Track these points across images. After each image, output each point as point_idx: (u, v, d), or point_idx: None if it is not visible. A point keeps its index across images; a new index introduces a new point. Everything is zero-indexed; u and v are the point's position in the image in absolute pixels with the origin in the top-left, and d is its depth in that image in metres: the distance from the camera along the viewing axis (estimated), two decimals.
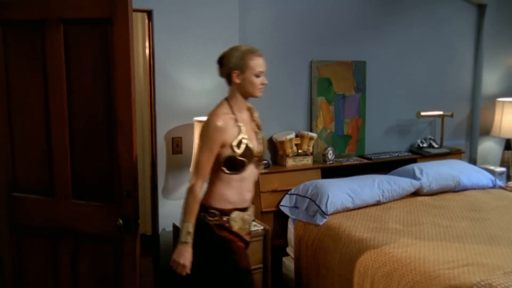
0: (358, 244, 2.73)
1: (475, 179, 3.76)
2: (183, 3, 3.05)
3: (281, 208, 3.38)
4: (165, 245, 3.13)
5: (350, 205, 3.19)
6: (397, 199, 3.40)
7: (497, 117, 4.47)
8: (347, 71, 3.83)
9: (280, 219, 3.42)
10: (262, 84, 2.17)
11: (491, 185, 3.83)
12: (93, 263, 2.24)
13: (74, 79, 2.12)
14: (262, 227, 3.10)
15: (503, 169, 4.29)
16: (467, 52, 4.51)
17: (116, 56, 1.99)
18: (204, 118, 2.97)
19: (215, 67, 3.23)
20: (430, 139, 4.26)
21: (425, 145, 4.22)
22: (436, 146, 4.22)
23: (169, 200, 3.15)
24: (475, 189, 3.74)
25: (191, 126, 3.05)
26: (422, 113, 4.15)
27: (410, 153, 4.11)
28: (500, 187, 3.89)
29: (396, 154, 4.01)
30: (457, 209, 3.25)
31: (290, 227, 3.35)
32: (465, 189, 3.71)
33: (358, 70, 3.88)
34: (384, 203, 3.34)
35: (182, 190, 3.19)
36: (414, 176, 3.57)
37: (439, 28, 4.28)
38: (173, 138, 3.12)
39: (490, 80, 4.57)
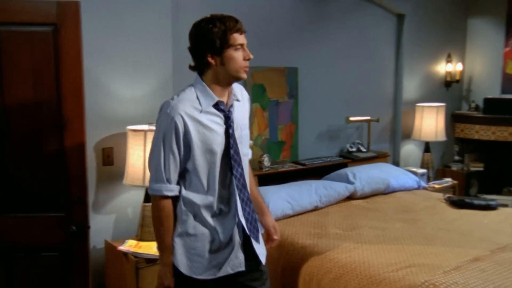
0: (302, 251, 2.72)
1: (402, 181, 3.94)
2: (112, 8, 2.86)
3: None
4: (96, 264, 2.89)
5: (290, 212, 3.18)
6: (333, 204, 3.46)
7: (417, 121, 4.73)
8: (280, 77, 3.84)
9: None
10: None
11: (416, 186, 4.03)
12: (38, 277, 2.09)
13: (8, 85, 1.94)
14: None
15: (424, 170, 4.54)
16: (389, 59, 4.73)
17: (65, 62, 1.87)
18: (138, 127, 2.83)
19: (148, 73, 3.10)
20: (358, 143, 4.40)
21: (354, 149, 4.35)
22: (364, 150, 4.36)
23: (99, 215, 2.93)
24: (402, 190, 3.92)
25: (123, 136, 2.86)
26: (351, 118, 4.28)
27: (341, 158, 4.21)
28: (424, 188, 4.10)
29: (328, 159, 4.08)
30: (390, 211, 3.37)
31: None
32: (393, 191, 3.86)
33: (290, 76, 3.90)
34: (321, 208, 3.37)
35: (114, 204, 2.99)
36: (347, 180, 3.66)
37: (364, 36, 4.45)
38: (103, 149, 2.91)
39: (410, 86, 4.84)
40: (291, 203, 3.21)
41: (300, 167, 3.84)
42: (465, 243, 2.75)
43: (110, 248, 2.86)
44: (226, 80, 1.83)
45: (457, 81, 5.25)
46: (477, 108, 5.21)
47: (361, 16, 4.40)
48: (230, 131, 1.83)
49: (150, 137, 2.70)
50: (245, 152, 1.94)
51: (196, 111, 1.78)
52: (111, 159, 2.94)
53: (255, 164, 3.67)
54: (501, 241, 2.78)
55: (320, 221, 3.14)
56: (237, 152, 1.85)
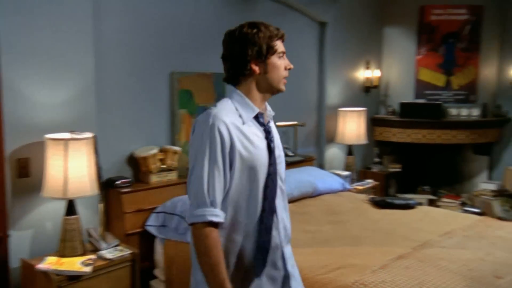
0: None
1: (328, 183, 4.05)
2: (29, 8, 2.66)
3: (147, 228, 3.17)
4: (12, 285, 2.67)
5: None
6: None
7: (340, 125, 4.90)
8: (207, 82, 3.79)
9: (145, 240, 3.21)
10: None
11: (341, 188, 4.15)
12: None
13: None
14: (130, 252, 2.85)
15: (348, 172, 4.71)
16: (313, 66, 4.86)
17: None
18: (58, 135, 2.64)
19: (68, 78, 2.92)
20: (285, 147, 4.47)
21: None
22: (291, 154, 4.43)
23: (14, 231, 2.70)
24: (328, 193, 4.02)
25: (40, 145, 2.66)
26: (277, 123, 4.32)
27: None
28: (348, 190, 4.25)
29: None
30: (318, 214, 3.44)
31: (159, 247, 3.15)
32: (320, 194, 3.96)
33: (218, 81, 3.87)
34: None
35: (31, 218, 2.77)
36: None
37: (289, 42, 4.46)
38: (18, 160, 2.69)
39: (333, 92, 5.00)
40: None
41: None
42: (389, 242, 2.87)
43: (27, 267, 2.64)
44: (266, 91, 1.67)
45: (375, 87, 5.52)
46: (394, 112, 5.51)
47: (285, 23, 4.47)
48: (272, 145, 1.63)
49: (72, 146, 2.56)
50: (283, 176, 1.74)
51: (239, 122, 1.58)
52: (27, 171, 2.73)
53: (184, 171, 3.59)
54: (421, 238, 2.94)
55: None
56: (275, 172, 1.64)
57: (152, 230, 3.15)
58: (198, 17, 3.74)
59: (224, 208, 1.54)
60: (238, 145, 1.54)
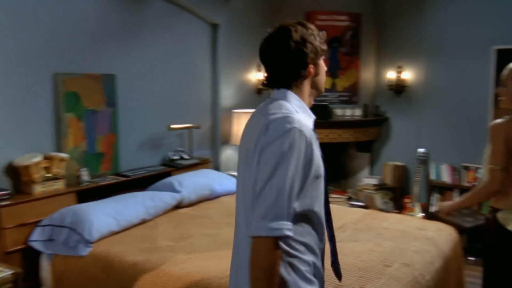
0: (133, 269, 2.56)
1: (225, 185, 4.05)
2: None
3: (31, 244, 2.89)
4: None
5: (115, 227, 2.98)
6: (161, 215, 3.36)
7: (234, 127, 4.94)
8: (96, 84, 3.57)
9: (29, 257, 2.92)
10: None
11: None
12: None
13: None
14: (11, 272, 2.57)
15: None
16: (206, 68, 4.83)
17: None
18: None
19: None
20: (181, 151, 4.38)
21: (176, 157, 4.31)
22: (186, 157, 4.36)
23: None
24: (226, 195, 4.03)
25: None
26: (172, 126, 4.23)
27: (165, 167, 4.13)
28: None
29: (152, 169, 3.96)
30: (217, 217, 3.42)
31: (45, 264, 2.89)
32: (218, 196, 3.95)
33: (107, 83, 3.66)
34: (149, 220, 3.25)
35: None
36: (173, 189, 3.60)
37: (181, 44, 4.45)
38: None
39: (227, 94, 5.02)
40: (117, 218, 3.01)
41: (122, 179, 3.63)
42: None
43: None
44: (314, 94, 1.57)
45: (267, 88, 5.64)
46: None
47: (177, 24, 4.39)
48: (322, 153, 1.50)
49: None
50: None
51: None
52: None
53: (72, 179, 3.34)
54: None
55: (149, 234, 3.01)
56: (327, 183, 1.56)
57: (37, 245, 2.89)
58: (86, 15, 3.51)
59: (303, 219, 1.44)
60: (316, 153, 1.42)
